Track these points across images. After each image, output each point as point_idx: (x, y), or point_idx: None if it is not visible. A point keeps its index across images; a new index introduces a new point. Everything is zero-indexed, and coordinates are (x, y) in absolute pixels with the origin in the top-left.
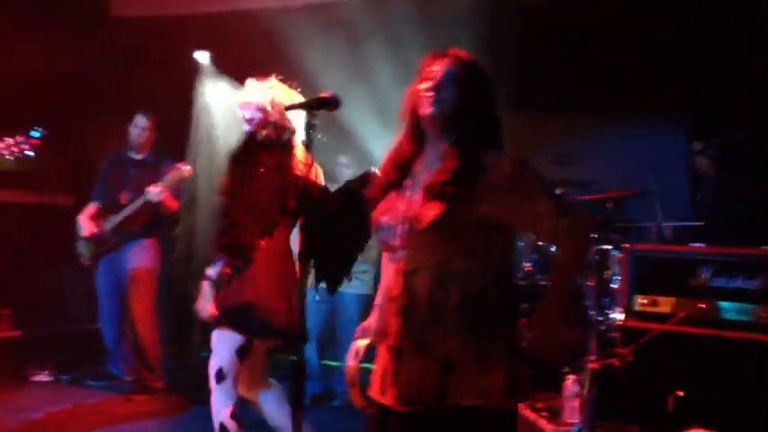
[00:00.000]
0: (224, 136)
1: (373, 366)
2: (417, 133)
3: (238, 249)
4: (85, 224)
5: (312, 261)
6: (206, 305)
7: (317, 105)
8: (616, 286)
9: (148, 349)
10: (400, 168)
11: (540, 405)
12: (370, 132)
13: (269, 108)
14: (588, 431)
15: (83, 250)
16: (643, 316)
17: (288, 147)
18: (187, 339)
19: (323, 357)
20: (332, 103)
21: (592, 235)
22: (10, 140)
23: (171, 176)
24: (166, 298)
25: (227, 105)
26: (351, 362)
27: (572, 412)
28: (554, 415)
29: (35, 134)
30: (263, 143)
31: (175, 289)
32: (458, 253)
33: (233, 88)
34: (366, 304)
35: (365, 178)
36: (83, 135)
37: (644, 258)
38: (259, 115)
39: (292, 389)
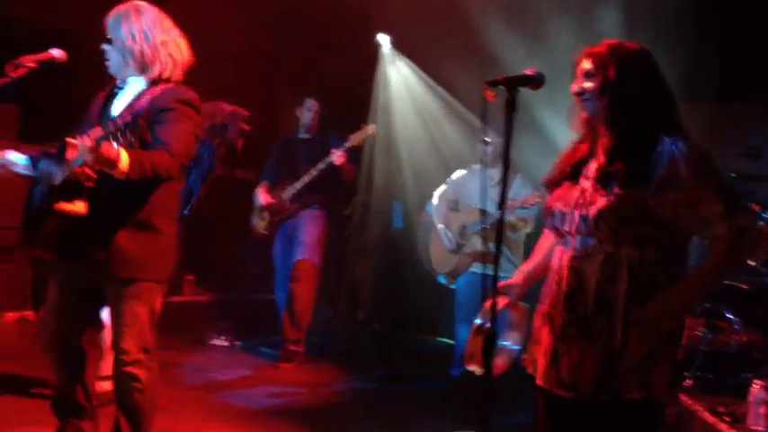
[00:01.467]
0: (402, 117)
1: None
2: (590, 131)
3: None
4: (262, 195)
5: None
6: None
7: (520, 82)
8: None
9: (301, 304)
10: (575, 162)
11: (720, 409)
12: (552, 118)
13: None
14: None
15: (258, 221)
16: None
17: None
18: (352, 316)
19: None
20: (535, 81)
21: (750, 248)
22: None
23: (355, 135)
24: (335, 275)
25: (406, 86)
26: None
27: (757, 418)
28: (736, 420)
29: None
30: None
31: (344, 266)
32: (627, 242)
33: (412, 68)
34: None
35: None
36: (273, 111)
37: None
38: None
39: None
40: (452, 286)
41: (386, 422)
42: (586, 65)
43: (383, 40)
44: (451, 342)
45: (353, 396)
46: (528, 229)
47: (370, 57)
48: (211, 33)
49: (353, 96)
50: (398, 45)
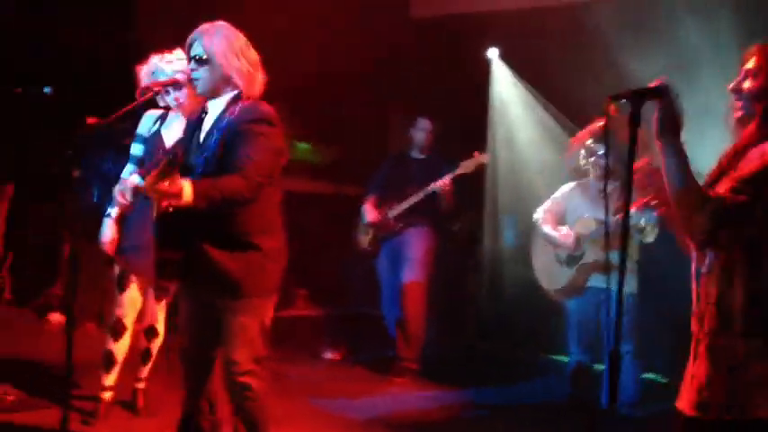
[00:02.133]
0: (518, 132)
1: None
2: (743, 132)
3: None
4: (369, 211)
5: None
6: None
7: (645, 95)
8: None
9: (412, 325)
10: (723, 167)
11: None
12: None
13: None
14: None
15: (362, 236)
16: None
17: None
18: (458, 332)
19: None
20: (661, 94)
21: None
22: None
23: (466, 163)
24: (446, 291)
25: (520, 101)
26: None
27: None
28: None
29: None
30: None
31: (455, 283)
32: (744, 251)
33: (524, 84)
34: (633, 303)
35: None
36: (383, 129)
37: None
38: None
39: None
40: (566, 303)
41: None
42: (751, 63)
43: (493, 54)
44: (565, 359)
45: (466, 412)
46: (652, 237)
47: (485, 72)
48: (322, 53)
49: (469, 112)
50: (510, 59)
